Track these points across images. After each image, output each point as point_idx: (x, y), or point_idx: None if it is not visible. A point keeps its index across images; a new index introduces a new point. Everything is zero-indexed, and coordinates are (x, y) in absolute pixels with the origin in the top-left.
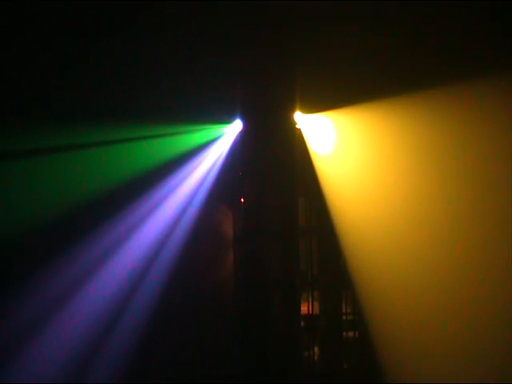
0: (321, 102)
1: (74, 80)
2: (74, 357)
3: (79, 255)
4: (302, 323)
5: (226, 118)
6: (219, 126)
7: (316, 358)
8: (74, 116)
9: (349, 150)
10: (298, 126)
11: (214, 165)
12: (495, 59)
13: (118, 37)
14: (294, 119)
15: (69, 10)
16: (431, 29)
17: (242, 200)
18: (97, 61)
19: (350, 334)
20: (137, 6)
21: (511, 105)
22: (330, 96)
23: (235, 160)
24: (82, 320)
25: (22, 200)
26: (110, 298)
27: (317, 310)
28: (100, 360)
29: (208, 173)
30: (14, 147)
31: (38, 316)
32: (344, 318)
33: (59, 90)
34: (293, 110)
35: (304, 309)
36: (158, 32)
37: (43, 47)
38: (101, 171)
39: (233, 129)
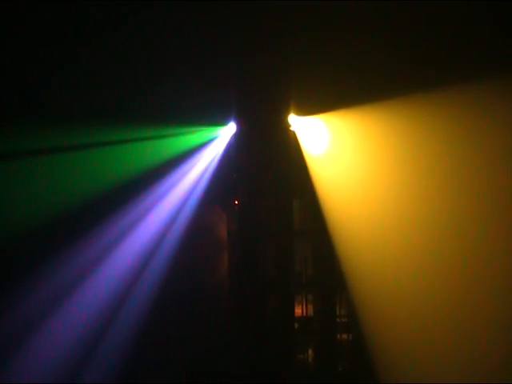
0: (315, 105)
1: (72, 81)
2: (72, 357)
3: (77, 255)
4: (296, 325)
5: (220, 120)
6: (213, 128)
7: (310, 359)
8: (70, 117)
9: (343, 152)
10: (292, 128)
11: (208, 166)
12: (494, 61)
13: (116, 39)
14: (288, 121)
15: (69, 10)
16: (427, 31)
17: (237, 202)
18: (94, 63)
19: (344, 336)
20: (135, 7)
21: (509, 107)
22: (324, 98)
23: (229, 162)
24: (79, 320)
25: (20, 200)
26: (107, 297)
27: (311, 312)
28: (97, 360)
29: (202, 174)
30: (13, 148)
31: (36, 316)
32: (338, 320)
33: (58, 91)
34: (287, 113)
35: (298, 311)
36: (153, 35)
37: (42, 47)
38: (95, 172)
39: (227, 131)
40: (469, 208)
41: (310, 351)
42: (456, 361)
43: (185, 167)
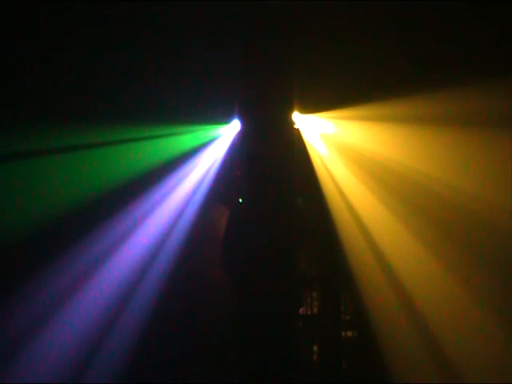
0: (320, 102)
1: (71, 80)
2: (73, 358)
3: (78, 256)
4: (301, 323)
5: (223, 119)
6: (217, 126)
7: (315, 357)
8: (70, 117)
9: (348, 150)
10: (296, 126)
11: (212, 166)
12: (495, 64)
13: (115, 37)
14: (292, 119)
15: (67, 10)
16: (432, 31)
17: (241, 200)
18: (94, 61)
19: (349, 333)
20: (136, 5)
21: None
22: (330, 96)
23: (233, 161)
24: (80, 322)
25: (20, 201)
26: (110, 298)
27: (316, 310)
28: (99, 362)
29: (206, 174)
30: (12, 148)
31: (36, 317)
32: (343, 317)
33: (57, 90)
34: (291, 110)
35: (303, 309)
36: (155, 32)
37: (40, 46)
38: (96, 172)
39: (231, 129)
40: (475, 209)
41: (315, 348)
42: (460, 360)
43: (188, 166)
